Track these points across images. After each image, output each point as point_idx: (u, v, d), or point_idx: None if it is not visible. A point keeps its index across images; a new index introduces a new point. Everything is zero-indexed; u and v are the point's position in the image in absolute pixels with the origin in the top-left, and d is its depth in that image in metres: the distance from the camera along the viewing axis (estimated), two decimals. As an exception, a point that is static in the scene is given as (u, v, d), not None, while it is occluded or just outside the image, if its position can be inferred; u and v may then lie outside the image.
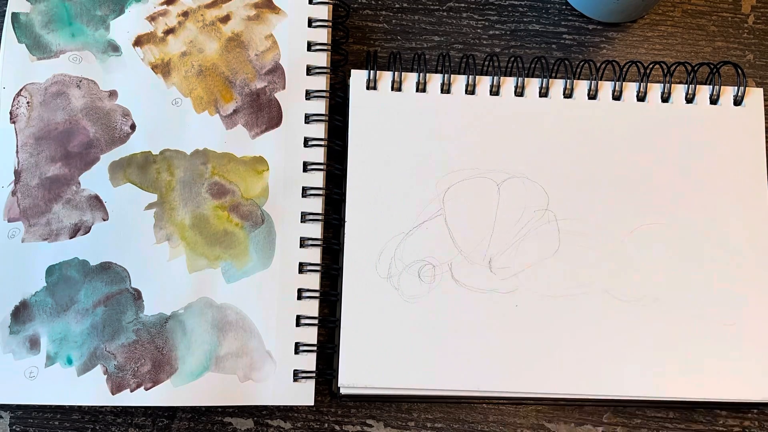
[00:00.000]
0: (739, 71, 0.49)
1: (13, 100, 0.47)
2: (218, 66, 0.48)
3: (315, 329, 0.45)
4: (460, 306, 0.45)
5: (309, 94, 0.48)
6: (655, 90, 0.49)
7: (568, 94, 0.49)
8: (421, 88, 0.48)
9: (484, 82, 0.49)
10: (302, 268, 0.45)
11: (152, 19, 0.49)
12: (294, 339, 0.44)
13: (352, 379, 0.44)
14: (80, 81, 0.47)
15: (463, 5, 0.53)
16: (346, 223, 0.46)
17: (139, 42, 0.48)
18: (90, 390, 0.43)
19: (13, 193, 0.45)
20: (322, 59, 0.48)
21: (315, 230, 0.46)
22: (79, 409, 0.46)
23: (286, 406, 0.46)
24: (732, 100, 0.49)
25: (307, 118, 0.47)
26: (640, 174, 0.47)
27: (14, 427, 0.46)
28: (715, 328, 0.45)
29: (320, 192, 0.47)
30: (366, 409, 0.46)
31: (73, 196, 0.46)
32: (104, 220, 0.45)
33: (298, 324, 0.45)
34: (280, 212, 0.46)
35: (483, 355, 0.45)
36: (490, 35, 0.53)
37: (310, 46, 0.48)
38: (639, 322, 0.45)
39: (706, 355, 0.45)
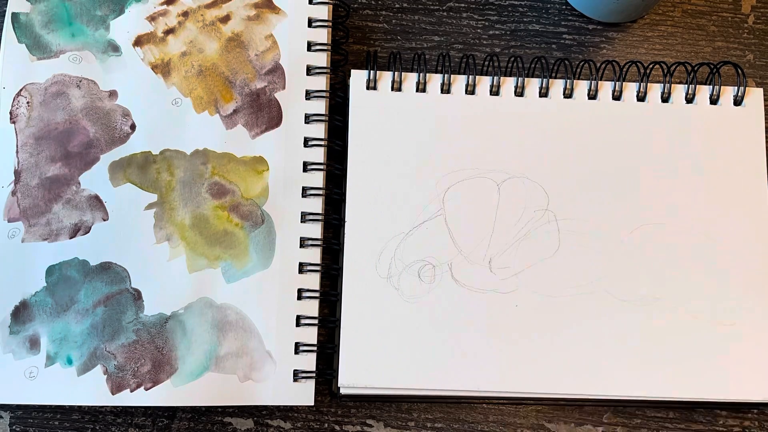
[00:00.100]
0: (739, 71, 0.49)
1: (13, 100, 0.47)
2: (218, 66, 0.48)
3: (315, 329, 0.45)
4: (460, 306, 0.45)
5: (309, 94, 0.48)
6: (655, 90, 0.49)
7: (568, 94, 0.49)
8: (421, 88, 0.48)
9: (484, 82, 0.49)
10: (302, 268, 0.46)
11: (152, 19, 0.49)
12: (294, 339, 0.44)
13: (352, 379, 0.44)
14: (80, 81, 0.47)
15: (463, 5, 0.53)
16: (346, 223, 0.46)
17: (139, 42, 0.48)
18: (90, 390, 0.43)
19: (13, 193, 0.45)
20: (322, 59, 0.48)
21: (315, 230, 0.46)
22: (79, 409, 0.46)
23: (286, 406, 0.46)
24: (732, 100, 0.49)
25: (307, 118, 0.47)
26: (640, 174, 0.47)
27: (14, 427, 0.46)
28: (715, 328, 0.45)
29: (320, 192, 0.47)
30: (366, 409, 0.46)
31: (73, 196, 0.46)
32: (104, 220, 0.45)
33: (298, 324, 0.45)
34: (280, 212, 0.46)
35: (483, 355, 0.45)
36: (490, 35, 0.53)
37: (310, 46, 0.48)
38: (639, 322, 0.45)
39: (706, 355, 0.45)
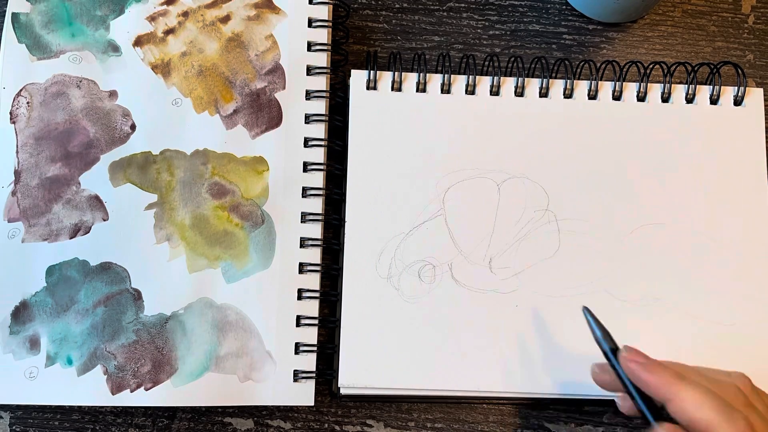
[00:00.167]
0: (739, 71, 0.49)
1: (13, 100, 0.47)
2: (218, 66, 0.48)
3: (315, 329, 0.45)
4: (461, 306, 0.45)
5: (309, 94, 0.48)
6: (655, 90, 0.49)
7: (568, 95, 0.49)
8: (421, 88, 0.48)
9: (484, 83, 0.49)
10: (302, 268, 0.45)
11: (152, 19, 0.49)
12: (294, 339, 0.44)
13: (352, 379, 0.44)
14: (80, 81, 0.47)
15: (463, 5, 0.53)
16: (346, 223, 0.46)
17: (139, 42, 0.48)
18: (90, 390, 0.43)
19: (13, 193, 0.45)
20: (322, 59, 0.48)
21: (315, 230, 0.46)
22: (79, 409, 0.46)
23: (286, 406, 0.46)
24: (732, 100, 0.49)
25: (307, 118, 0.47)
26: (640, 174, 0.47)
27: (14, 427, 0.46)
28: (715, 328, 0.45)
29: (320, 192, 0.47)
30: (366, 409, 0.46)
31: (73, 196, 0.46)
32: (104, 220, 0.45)
33: (298, 324, 0.45)
34: (280, 212, 0.46)
35: (483, 355, 0.44)
36: (490, 35, 0.53)
37: (310, 46, 0.48)
38: (639, 322, 0.45)
39: (706, 355, 0.45)
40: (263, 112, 0.47)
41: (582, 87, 0.49)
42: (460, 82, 0.48)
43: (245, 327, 0.44)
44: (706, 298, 0.46)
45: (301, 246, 0.46)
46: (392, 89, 0.48)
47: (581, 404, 0.47)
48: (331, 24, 0.49)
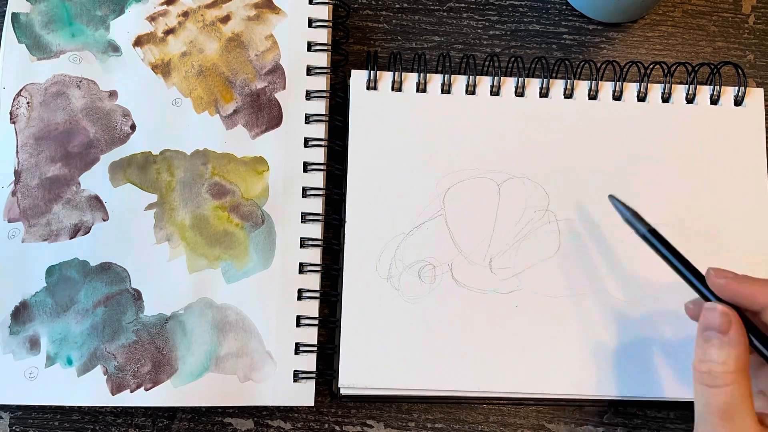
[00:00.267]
0: (740, 71, 0.49)
1: (13, 100, 0.47)
2: (218, 66, 0.48)
3: (315, 330, 0.45)
4: (461, 306, 0.45)
5: (309, 95, 0.48)
6: (655, 90, 0.49)
7: (568, 95, 0.49)
8: (421, 88, 0.48)
9: (484, 83, 0.49)
10: (302, 268, 0.45)
11: (152, 19, 0.49)
12: (294, 339, 0.44)
13: (352, 379, 0.44)
14: (80, 81, 0.47)
15: (463, 5, 0.53)
16: (346, 224, 0.46)
17: (139, 42, 0.48)
18: (90, 390, 0.43)
19: (13, 193, 0.45)
20: (322, 59, 0.48)
21: (315, 230, 0.46)
22: (79, 410, 0.46)
23: (286, 406, 0.46)
24: (732, 101, 0.49)
25: (308, 119, 0.47)
26: (640, 174, 0.47)
27: (14, 428, 0.46)
28: (716, 328, 0.45)
29: (320, 192, 0.47)
30: (366, 410, 0.46)
31: (73, 196, 0.46)
32: (104, 220, 0.45)
33: (298, 324, 0.45)
34: (280, 212, 0.46)
35: (483, 355, 0.44)
36: (491, 35, 0.53)
37: (310, 46, 0.48)
38: (639, 322, 0.45)
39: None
40: (263, 112, 0.47)
41: (582, 87, 0.49)
42: (460, 82, 0.48)
43: (245, 327, 0.44)
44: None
45: (301, 246, 0.46)
46: (392, 89, 0.48)
47: (581, 404, 0.47)
48: (331, 24, 0.49)
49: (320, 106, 0.48)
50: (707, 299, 0.38)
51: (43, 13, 0.48)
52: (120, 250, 0.45)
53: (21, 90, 0.47)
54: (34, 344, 0.44)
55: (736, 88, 0.49)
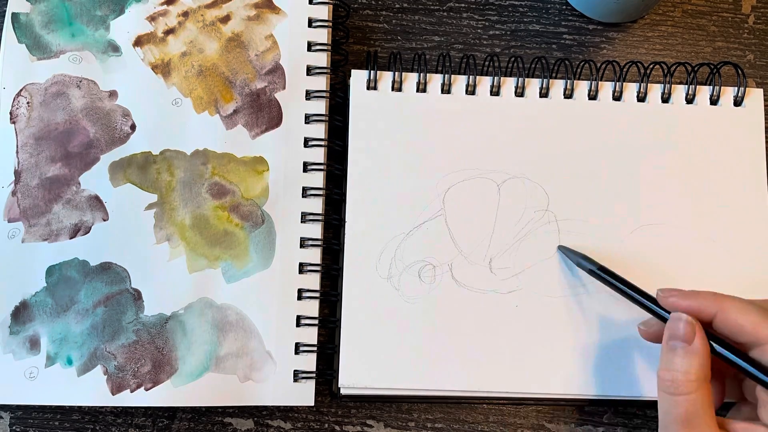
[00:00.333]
0: (740, 71, 0.49)
1: (13, 100, 0.47)
2: (218, 66, 0.48)
3: (315, 329, 0.45)
4: (461, 306, 0.45)
5: (309, 95, 0.48)
6: (655, 90, 0.49)
7: (568, 95, 0.49)
8: (421, 88, 0.48)
9: (484, 83, 0.49)
10: (302, 268, 0.45)
11: (152, 19, 0.49)
12: (294, 339, 0.44)
13: (352, 379, 0.44)
14: (80, 81, 0.47)
15: (463, 5, 0.53)
16: (346, 224, 0.46)
17: (139, 42, 0.48)
18: (90, 390, 0.43)
19: (13, 193, 0.45)
20: (322, 59, 0.48)
21: (315, 230, 0.46)
22: (79, 410, 0.46)
23: (286, 406, 0.46)
24: (732, 101, 0.49)
25: (307, 119, 0.47)
26: (640, 174, 0.47)
27: (14, 427, 0.46)
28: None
29: (320, 192, 0.47)
30: (366, 410, 0.46)
31: (73, 196, 0.46)
32: (104, 220, 0.45)
33: (298, 324, 0.45)
34: (280, 212, 0.46)
35: (483, 355, 0.45)
36: (491, 35, 0.53)
37: (310, 46, 0.48)
38: (639, 322, 0.45)
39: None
40: (263, 112, 0.47)
41: (582, 87, 0.49)
42: (460, 82, 0.48)
43: (245, 327, 0.44)
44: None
45: (301, 246, 0.46)
46: (392, 89, 0.48)
47: (581, 404, 0.47)
48: (331, 24, 0.49)
49: (320, 106, 0.48)
50: (663, 318, 0.39)
51: (43, 13, 0.48)
52: (120, 250, 0.45)
53: (21, 90, 0.47)
54: (34, 344, 0.44)
55: (736, 88, 0.49)
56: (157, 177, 0.46)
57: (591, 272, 0.43)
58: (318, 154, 0.47)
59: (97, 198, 0.46)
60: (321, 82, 0.48)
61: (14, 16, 0.48)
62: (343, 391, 0.44)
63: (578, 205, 0.47)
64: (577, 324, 0.45)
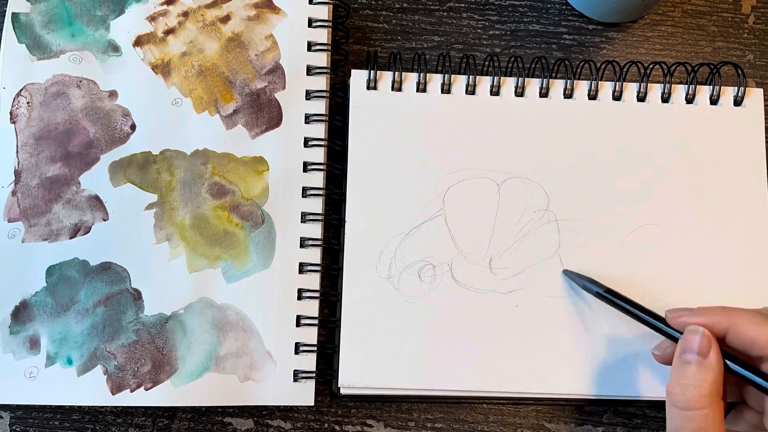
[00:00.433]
0: (739, 71, 0.49)
1: (13, 100, 0.47)
2: (218, 66, 0.48)
3: (315, 329, 0.45)
4: (461, 306, 0.45)
5: (309, 94, 0.48)
6: (655, 90, 0.49)
7: (568, 95, 0.49)
8: (421, 88, 0.48)
9: (484, 83, 0.49)
10: (302, 268, 0.45)
11: (152, 19, 0.49)
12: (294, 339, 0.44)
13: (352, 379, 0.44)
14: (80, 81, 0.47)
15: (463, 5, 0.53)
16: (346, 223, 0.46)
17: (139, 42, 0.48)
18: (90, 390, 0.43)
19: (13, 193, 0.45)
20: (322, 59, 0.48)
21: (315, 230, 0.46)
22: (79, 409, 0.46)
23: (286, 406, 0.46)
24: (732, 101, 0.49)
25: (307, 118, 0.47)
26: (640, 174, 0.47)
27: (14, 427, 0.46)
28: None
29: (320, 192, 0.47)
30: (366, 409, 0.46)
31: (73, 196, 0.46)
32: (104, 220, 0.45)
33: (298, 324, 0.45)
34: (280, 212, 0.46)
35: (483, 355, 0.45)
36: (491, 35, 0.53)
37: (310, 46, 0.48)
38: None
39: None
40: (263, 112, 0.47)
41: (582, 87, 0.49)
42: (460, 82, 0.48)
43: (245, 327, 0.44)
44: (706, 299, 0.46)
45: (301, 246, 0.46)
46: (392, 89, 0.48)
47: (581, 404, 0.47)
48: (331, 24, 0.49)
49: (320, 106, 0.48)
50: (675, 339, 0.39)
51: (43, 13, 0.48)
52: (120, 249, 0.45)
53: (21, 90, 0.47)
54: (34, 344, 0.44)
55: (736, 88, 0.49)
56: (157, 177, 0.46)
57: (598, 295, 0.43)
58: (318, 154, 0.47)
59: (97, 198, 0.46)
60: (321, 82, 0.48)
61: (14, 16, 0.48)
62: (343, 391, 0.44)
63: (578, 205, 0.47)
64: (576, 324, 0.45)
